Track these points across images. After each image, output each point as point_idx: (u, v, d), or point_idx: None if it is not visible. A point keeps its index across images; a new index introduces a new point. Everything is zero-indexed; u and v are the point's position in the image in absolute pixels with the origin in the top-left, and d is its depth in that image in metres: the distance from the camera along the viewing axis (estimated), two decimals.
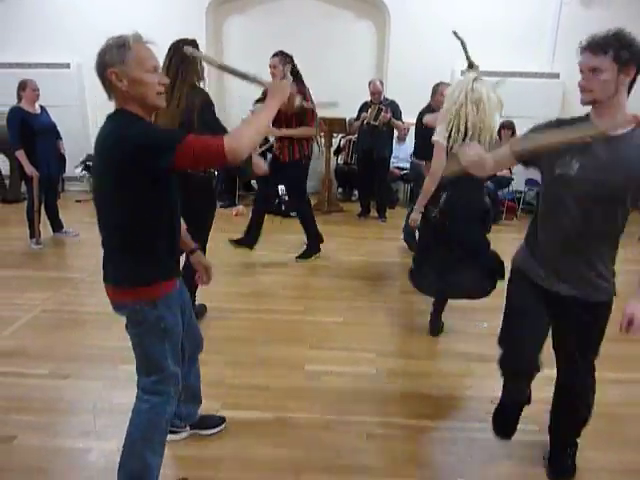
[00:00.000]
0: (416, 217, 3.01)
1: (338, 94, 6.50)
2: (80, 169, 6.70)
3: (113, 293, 1.68)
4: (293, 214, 5.96)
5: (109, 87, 1.55)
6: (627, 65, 1.53)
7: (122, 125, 1.52)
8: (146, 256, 1.62)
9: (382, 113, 5.51)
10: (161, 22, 6.50)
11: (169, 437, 2.13)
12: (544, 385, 2.63)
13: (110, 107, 1.61)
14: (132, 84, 1.51)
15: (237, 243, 4.43)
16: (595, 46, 1.55)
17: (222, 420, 2.24)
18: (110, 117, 1.58)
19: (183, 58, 2.77)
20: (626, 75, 1.54)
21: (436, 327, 3.19)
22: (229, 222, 5.44)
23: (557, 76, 6.56)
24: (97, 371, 2.67)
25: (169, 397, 1.77)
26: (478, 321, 3.34)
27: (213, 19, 6.82)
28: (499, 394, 2.53)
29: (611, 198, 1.62)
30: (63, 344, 2.95)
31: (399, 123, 5.72)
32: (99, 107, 6.14)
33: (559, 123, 1.72)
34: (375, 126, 5.54)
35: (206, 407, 2.36)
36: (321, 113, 4.94)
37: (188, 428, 2.18)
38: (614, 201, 1.63)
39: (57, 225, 5.07)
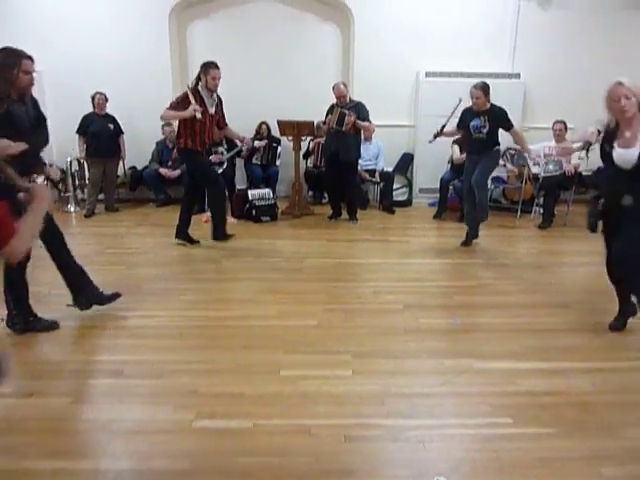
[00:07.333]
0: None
1: (305, 97, 6.58)
2: (42, 177, 6.47)
3: None
4: (265, 219, 5.95)
5: None
6: None
7: None
8: None
9: (346, 117, 5.46)
10: (124, 29, 6.41)
11: None
12: (519, 379, 2.69)
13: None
14: None
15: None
16: None
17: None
18: None
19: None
20: None
21: None
22: (200, 229, 5.36)
23: (518, 76, 6.74)
24: (63, 388, 2.57)
25: None
26: (451, 319, 3.38)
27: (177, 24, 6.74)
28: (473, 389, 2.57)
29: None
30: (26, 361, 2.84)
31: (365, 124, 5.65)
32: (60, 112, 5.99)
33: None
34: (340, 130, 5.52)
35: (180, 418, 2.32)
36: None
37: None
38: None
39: None
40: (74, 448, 2.15)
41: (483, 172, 4.82)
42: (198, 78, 4.68)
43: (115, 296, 3.42)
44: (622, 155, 2.86)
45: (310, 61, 6.87)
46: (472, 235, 5.04)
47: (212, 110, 4.73)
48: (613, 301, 3.21)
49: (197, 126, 4.61)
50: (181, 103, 4.58)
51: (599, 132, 3.01)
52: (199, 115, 4.52)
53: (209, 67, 4.62)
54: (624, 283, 3.08)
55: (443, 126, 4.97)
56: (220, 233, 5.03)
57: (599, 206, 3.05)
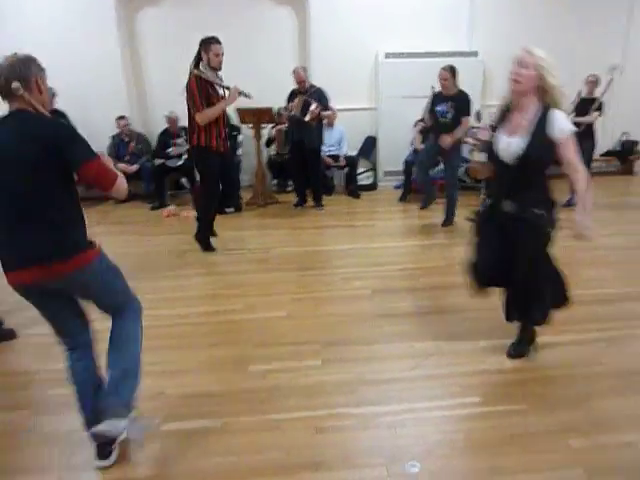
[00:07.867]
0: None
1: (264, 83, 6.43)
2: None
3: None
4: (229, 210, 5.83)
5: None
6: None
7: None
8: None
9: (311, 109, 5.34)
10: (68, 18, 6.10)
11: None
12: (486, 357, 2.71)
13: None
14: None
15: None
16: None
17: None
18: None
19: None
20: None
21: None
22: (160, 225, 5.21)
23: (475, 54, 6.75)
24: (22, 399, 2.46)
25: None
26: (418, 301, 3.39)
27: (124, 13, 6.45)
28: (443, 371, 2.59)
29: None
30: None
31: (328, 113, 5.60)
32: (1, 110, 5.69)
33: None
34: (301, 119, 5.41)
35: (146, 422, 2.25)
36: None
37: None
38: None
39: None
40: (35, 462, 2.05)
41: (453, 170, 5.04)
42: (198, 57, 4.10)
43: (11, 335, 3.08)
44: (505, 144, 2.28)
45: (266, 46, 6.70)
46: (432, 198, 5.46)
47: (222, 92, 4.24)
48: (578, 275, 3.27)
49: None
50: (203, 90, 4.03)
51: (492, 127, 2.47)
52: (247, 92, 4.34)
53: (210, 43, 4.04)
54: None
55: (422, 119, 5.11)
56: (201, 235, 4.55)
57: (484, 205, 2.50)
